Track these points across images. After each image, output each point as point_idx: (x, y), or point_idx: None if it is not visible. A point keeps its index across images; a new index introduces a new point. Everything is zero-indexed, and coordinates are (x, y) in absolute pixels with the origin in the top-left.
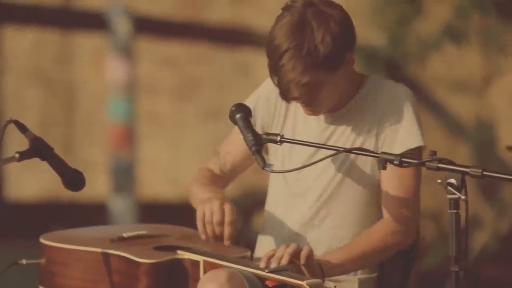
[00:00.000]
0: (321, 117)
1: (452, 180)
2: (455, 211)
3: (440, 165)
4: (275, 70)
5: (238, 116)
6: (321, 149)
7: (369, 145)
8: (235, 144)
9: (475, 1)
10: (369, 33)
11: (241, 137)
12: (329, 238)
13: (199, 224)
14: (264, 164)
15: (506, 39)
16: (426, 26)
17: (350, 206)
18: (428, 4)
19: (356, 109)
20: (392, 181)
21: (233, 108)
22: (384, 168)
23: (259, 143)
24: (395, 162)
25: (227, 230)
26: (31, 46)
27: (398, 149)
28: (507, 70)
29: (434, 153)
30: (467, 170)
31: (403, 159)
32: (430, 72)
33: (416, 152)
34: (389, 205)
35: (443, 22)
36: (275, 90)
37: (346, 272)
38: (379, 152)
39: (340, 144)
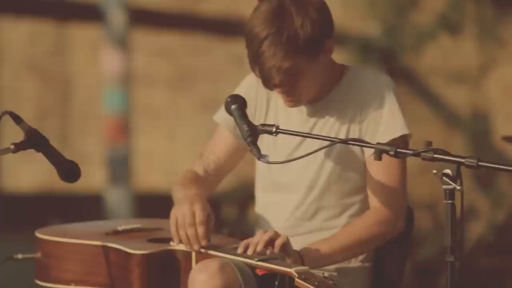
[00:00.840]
0: (303, 108)
1: (448, 171)
2: (450, 201)
3: (435, 155)
4: (255, 58)
5: (233, 107)
6: (306, 140)
7: (353, 135)
8: (218, 144)
9: None
10: (364, 24)
11: (224, 137)
12: (322, 229)
13: (171, 229)
14: (260, 155)
15: (502, 30)
16: (421, 17)
17: (342, 196)
18: None
19: (338, 99)
20: (377, 169)
21: (229, 99)
22: (380, 158)
23: (254, 134)
24: (390, 152)
25: (199, 230)
26: (27, 38)
27: (381, 139)
28: (503, 60)
29: (429, 143)
30: (463, 160)
31: (398, 150)
32: (426, 62)
33: (401, 141)
34: (375, 194)
35: (438, 12)
36: (254, 86)
37: (331, 263)
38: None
39: (323, 134)
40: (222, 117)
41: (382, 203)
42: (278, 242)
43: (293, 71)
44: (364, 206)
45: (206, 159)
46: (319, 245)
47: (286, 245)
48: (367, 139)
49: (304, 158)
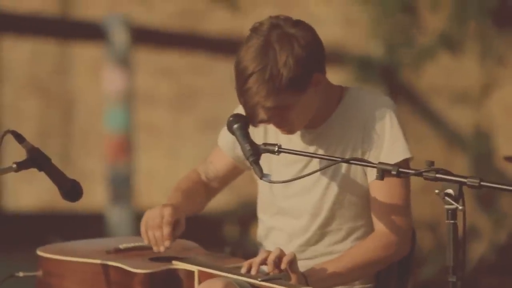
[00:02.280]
0: (304, 134)
1: (450, 191)
2: (452, 221)
3: (437, 175)
4: (241, 93)
5: (235, 126)
6: (310, 164)
7: (356, 154)
8: (218, 157)
9: (470, 10)
10: (366, 43)
11: (224, 157)
12: (327, 254)
13: (141, 229)
14: (262, 175)
15: (504, 50)
16: (422, 36)
17: (347, 220)
18: (425, 14)
19: (338, 123)
20: (381, 193)
21: (231, 118)
22: (382, 178)
23: (256, 153)
24: (393, 172)
25: (164, 231)
26: (29, 56)
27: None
28: (505, 80)
29: (431, 163)
30: (465, 180)
31: (400, 170)
32: (427, 81)
33: (403, 164)
34: (380, 217)
35: (439, 31)
36: None
37: (334, 285)
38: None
39: (325, 160)
40: (223, 139)
41: (387, 227)
42: (286, 259)
43: (278, 107)
44: (369, 229)
45: (207, 166)
46: (323, 266)
47: (293, 262)
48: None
49: (307, 183)
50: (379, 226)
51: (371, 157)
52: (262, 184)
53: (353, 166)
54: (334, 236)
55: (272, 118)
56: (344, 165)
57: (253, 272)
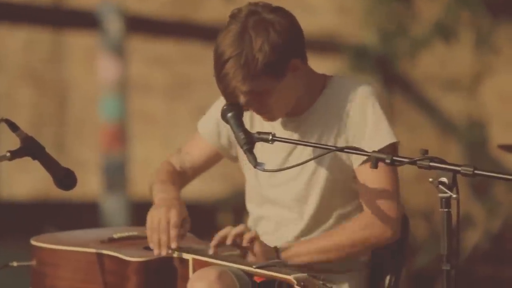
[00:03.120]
0: (286, 122)
1: (444, 179)
2: (446, 209)
3: (431, 163)
4: (219, 78)
5: (229, 115)
6: (294, 152)
7: (340, 141)
8: (196, 147)
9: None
10: (360, 32)
11: (202, 145)
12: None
13: (147, 232)
14: (256, 163)
15: (498, 37)
16: (417, 25)
17: (335, 208)
18: (419, 3)
19: (320, 111)
20: (368, 177)
21: (225, 107)
22: (376, 167)
23: (250, 142)
24: (386, 160)
25: (171, 233)
26: (23, 45)
27: (367, 149)
28: (498, 68)
29: (425, 151)
30: (459, 168)
31: (394, 158)
32: (422, 70)
33: (389, 149)
34: (366, 200)
35: (433, 20)
36: None
37: (310, 261)
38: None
39: (309, 148)
40: (204, 127)
41: (371, 209)
42: (247, 236)
43: (256, 92)
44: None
45: (182, 157)
46: (300, 243)
47: (254, 240)
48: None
49: (292, 172)
50: (364, 209)
51: (355, 141)
52: (248, 174)
53: (337, 152)
54: (325, 224)
55: (251, 104)
56: (330, 154)
57: (213, 243)
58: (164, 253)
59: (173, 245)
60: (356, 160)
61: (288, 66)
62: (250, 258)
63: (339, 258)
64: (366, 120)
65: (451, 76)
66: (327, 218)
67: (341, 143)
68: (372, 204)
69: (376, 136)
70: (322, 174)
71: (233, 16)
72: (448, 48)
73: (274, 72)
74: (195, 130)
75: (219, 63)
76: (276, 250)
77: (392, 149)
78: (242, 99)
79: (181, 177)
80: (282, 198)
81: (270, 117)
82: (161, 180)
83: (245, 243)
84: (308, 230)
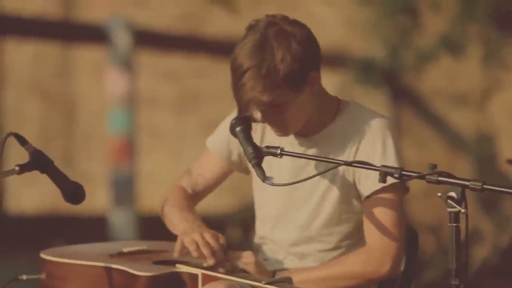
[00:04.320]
0: (295, 142)
1: (452, 194)
2: (455, 224)
3: (440, 178)
4: (236, 89)
5: (238, 129)
6: (306, 168)
7: (348, 172)
8: (207, 166)
9: (473, 13)
10: (367, 45)
11: (214, 162)
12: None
13: (177, 247)
14: (264, 177)
15: (506, 52)
16: (423, 38)
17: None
18: (425, 16)
19: (334, 135)
20: (373, 211)
21: (233, 121)
22: (384, 181)
23: (259, 156)
24: (395, 175)
25: (218, 253)
26: (32, 59)
27: (373, 184)
28: (507, 83)
29: (434, 166)
30: (467, 183)
31: (403, 173)
32: (429, 84)
33: (394, 186)
34: (369, 233)
35: (440, 34)
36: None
37: None
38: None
39: (320, 168)
40: (214, 144)
41: (372, 243)
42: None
43: (274, 103)
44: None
45: (194, 179)
46: (298, 270)
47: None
48: (360, 183)
49: (301, 198)
50: (367, 242)
51: (362, 175)
52: (256, 189)
53: (346, 184)
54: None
55: (267, 116)
56: (338, 183)
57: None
58: (212, 262)
59: (211, 262)
60: (365, 190)
61: (307, 79)
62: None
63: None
64: (375, 151)
65: (459, 91)
66: (328, 244)
67: (349, 171)
68: (374, 240)
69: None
70: (329, 202)
71: (251, 28)
72: (455, 62)
73: (294, 84)
74: (203, 144)
75: (238, 73)
76: (273, 274)
77: (397, 186)
78: (258, 110)
79: (194, 200)
80: (286, 222)
81: (284, 132)
82: (177, 207)
83: (219, 244)
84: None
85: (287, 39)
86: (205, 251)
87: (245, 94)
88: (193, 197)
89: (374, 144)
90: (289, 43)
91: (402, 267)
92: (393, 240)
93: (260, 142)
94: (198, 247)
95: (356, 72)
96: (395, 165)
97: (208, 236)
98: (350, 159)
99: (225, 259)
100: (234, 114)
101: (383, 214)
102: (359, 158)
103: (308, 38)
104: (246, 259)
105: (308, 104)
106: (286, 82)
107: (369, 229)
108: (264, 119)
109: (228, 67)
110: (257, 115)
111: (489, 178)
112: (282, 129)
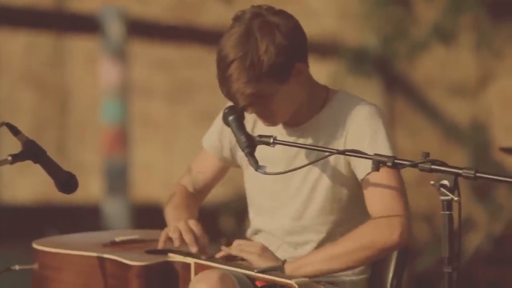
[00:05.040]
0: (284, 132)
1: (445, 182)
2: (448, 212)
3: (433, 166)
4: (222, 80)
5: (231, 118)
6: (298, 157)
7: (339, 159)
8: (204, 164)
9: (465, 1)
10: (360, 34)
11: (211, 160)
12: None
13: (161, 237)
14: (257, 166)
15: (500, 40)
16: (416, 27)
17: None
18: (418, 5)
19: (322, 123)
20: (373, 185)
21: (226, 110)
22: (378, 169)
23: (252, 145)
24: (388, 163)
25: (201, 239)
26: (24, 49)
27: (365, 166)
28: (501, 72)
29: (427, 154)
30: (460, 171)
31: (396, 161)
32: (422, 73)
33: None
34: (373, 207)
35: (432, 23)
36: None
37: (319, 272)
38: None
39: (311, 158)
40: (208, 142)
41: (378, 214)
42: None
43: (259, 95)
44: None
45: (195, 177)
46: (306, 254)
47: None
48: (355, 165)
49: (293, 188)
50: (372, 215)
51: (352, 158)
52: (248, 181)
53: (337, 172)
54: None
55: (254, 107)
56: (329, 172)
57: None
58: (194, 250)
59: (194, 249)
60: (361, 172)
61: (292, 70)
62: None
63: (348, 264)
64: (365, 134)
65: (453, 80)
66: (321, 233)
67: (339, 157)
68: (378, 211)
69: (373, 149)
70: (320, 191)
71: (237, 19)
72: (448, 51)
73: (278, 75)
74: (196, 134)
75: (223, 65)
76: (283, 262)
77: (392, 170)
78: (244, 101)
79: (195, 198)
80: (279, 213)
81: (271, 122)
82: (174, 205)
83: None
84: (304, 243)
85: (271, 31)
86: (187, 237)
87: (232, 85)
88: (194, 195)
89: (363, 130)
90: (273, 35)
91: (410, 239)
92: (398, 209)
93: (252, 131)
94: (181, 235)
95: (349, 62)
96: (386, 149)
97: (192, 223)
98: (340, 146)
99: (208, 246)
100: (220, 117)
101: (384, 187)
102: (348, 144)
103: (293, 29)
104: (252, 247)
105: (295, 95)
106: (270, 74)
107: (372, 203)
108: (251, 110)
109: None
110: (243, 105)
111: (483, 166)
112: (269, 120)
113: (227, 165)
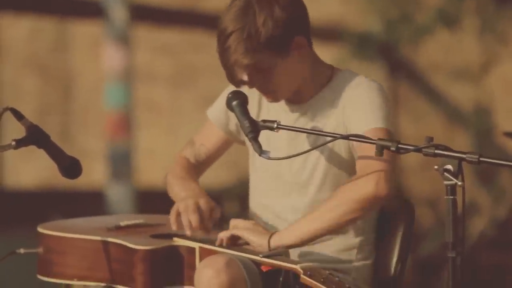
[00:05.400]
0: (287, 108)
1: (449, 166)
2: (452, 197)
3: (436, 151)
4: (221, 53)
5: (234, 103)
6: (299, 138)
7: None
8: (208, 136)
9: None
10: (364, 19)
11: (215, 132)
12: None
13: (171, 217)
14: (261, 151)
15: (503, 25)
16: (421, 12)
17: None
18: None
19: (325, 100)
20: (364, 149)
21: (230, 95)
22: (381, 154)
23: (255, 130)
24: (391, 148)
25: (205, 221)
26: (28, 34)
27: (355, 130)
28: (505, 57)
29: (430, 139)
30: (464, 156)
31: (399, 146)
32: (426, 58)
33: (379, 133)
34: (359, 166)
35: (436, 7)
36: (244, 91)
37: (308, 234)
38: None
39: (313, 137)
40: (213, 113)
41: (362, 168)
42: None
43: (257, 67)
44: None
45: (197, 149)
46: (296, 222)
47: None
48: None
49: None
50: (357, 173)
51: (347, 124)
52: (252, 163)
53: (336, 152)
54: None
55: (255, 82)
56: (329, 152)
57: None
58: (200, 234)
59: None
60: (359, 151)
61: (292, 43)
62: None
63: (330, 223)
64: (361, 104)
65: (456, 64)
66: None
67: (340, 131)
68: (363, 167)
69: (366, 118)
70: (321, 167)
71: None
72: (452, 36)
73: (277, 48)
74: (199, 119)
75: (222, 37)
76: (270, 235)
77: (382, 135)
78: (243, 74)
79: (197, 170)
80: (282, 191)
81: (274, 98)
82: (180, 177)
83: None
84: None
85: (269, 4)
86: (192, 217)
87: (229, 57)
88: (196, 167)
89: (360, 100)
90: (272, 7)
91: (393, 189)
92: (378, 164)
93: (257, 114)
94: (176, 214)
95: (353, 46)
96: (379, 118)
97: (202, 202)
98: (339, 119)
99: (211, 229)
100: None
101: (370, 153)
102: (346, 115)
103: (292, 3)
104: (242, 223)
105: (296, 70)
106: (269, 46)
107: (360, 162)
108: (252, 84)
109: None
110: (242, 77)
111: (487, 151)
112: (271, 95)
113: (231, 139)
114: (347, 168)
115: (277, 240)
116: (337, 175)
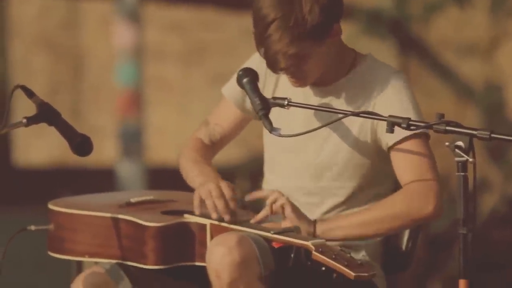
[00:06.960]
0: (310, 92)
1: (460, 143)
2: (463, 173)
3: (447, 127)
4: (261, 40)
5: (245, 80)
6: (316, 116)
7: (365, 126)
8: (224, 116)
9: None
10: None
11: (230, 110)
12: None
13: (194, 202)
14: (272, 128)
15: None
16: None
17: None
18: None
19: (349, 86)
20: (404, 154)
21: (240, 73)
22: (392, 131)
23: (266, 107)
24: (402, 125)
25: (230, 204)
26: (38, 12)
27: (392, 138)
28: None
29: (441, 116)
30: (475, 132)
31: (410, 122)
32: (437, 34)
33: (418, 140)
34: (404, 176)
35: None
36: (262, 65)
37: (347, 237)
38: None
39: (329, 118)
40: (229, 90)
41: (411, 184)
42: (277, 203)
43: (299, 55)
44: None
45: (212, 129)
46: (338, 216)
47: (285, 205)
48: (382, 133)
49: (313, 149)
50: (404, 185)
51: (378, 128)
52: (267, 143)
53: (361, 138)
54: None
55: (290, 68)
56: (352, 137)
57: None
58: (227, 218)
59: (227, 217)
60: (390, 139)
61: (331, 30)
62: (284, 223)
63: (379, 232)
64: (394, 107)
65: (467, 40)
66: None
67: (366, 125)
68: (411, 180)
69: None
70: (343, 154)
71: None
72: (463, 12)
73: (319, 36)
74: (210, 96)
75: (262, 25)
76: (314, 221)
77: (421, 141)
78: (285, 62)
79: (211, 151)
80: (298, 172)
81: (303, 83)
82: (195, 161)
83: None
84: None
85: None
86: (218, 203)
87: (272, 45)
88: (210, 148)
89: (391, 99)
90: None
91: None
92: (431, 180)
93: (273, 92)
94: (200, 200)
95: (363, 23)
96: (416, 117)
97: (224, 186)
98: (368, 109)
99: (235, 211)
100: (252, 60)
101: (416, 155)
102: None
103: None
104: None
105: (328, 55)
106: (312, 34)
107: (403, 171)
108: (286, 71)
109: (236, 20)
110: (283, 65)
111: (497, 127)
112: (301, 81)
113: (247, 117)
114: (372, 161)
115: (326, 231)
116: (359, 167)
